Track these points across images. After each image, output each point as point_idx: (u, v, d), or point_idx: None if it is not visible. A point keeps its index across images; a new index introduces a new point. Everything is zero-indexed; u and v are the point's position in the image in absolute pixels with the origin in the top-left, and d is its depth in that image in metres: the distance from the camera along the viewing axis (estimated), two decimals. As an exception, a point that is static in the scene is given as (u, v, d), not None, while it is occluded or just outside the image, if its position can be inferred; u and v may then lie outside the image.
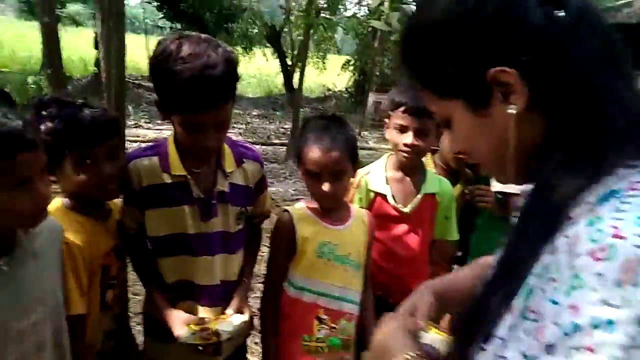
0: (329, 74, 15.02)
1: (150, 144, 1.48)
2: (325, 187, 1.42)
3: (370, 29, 11.18)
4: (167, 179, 1.36)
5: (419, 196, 1.72)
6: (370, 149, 8.76)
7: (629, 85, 0.64)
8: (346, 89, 14.20)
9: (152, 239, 1.41)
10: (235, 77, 1.26)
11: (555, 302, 0.56)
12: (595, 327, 0.51)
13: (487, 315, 0.65)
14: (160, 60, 1.21)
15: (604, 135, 0.62)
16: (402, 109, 1.63)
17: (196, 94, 1.18)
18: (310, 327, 1.46)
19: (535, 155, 0.66)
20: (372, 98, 10.60)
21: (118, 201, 1.44)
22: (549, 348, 0.55)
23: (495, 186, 1.88)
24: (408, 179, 1.74)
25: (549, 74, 0.63)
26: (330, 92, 15.06)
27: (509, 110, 0.64)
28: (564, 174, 0.62)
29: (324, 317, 1.47)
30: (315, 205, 1.52)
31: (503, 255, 0.70)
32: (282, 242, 1.49)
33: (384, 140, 9.73)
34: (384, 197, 1.70)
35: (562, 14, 0.63)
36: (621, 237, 0.53)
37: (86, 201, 1.34)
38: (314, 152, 1.41)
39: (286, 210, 1.51)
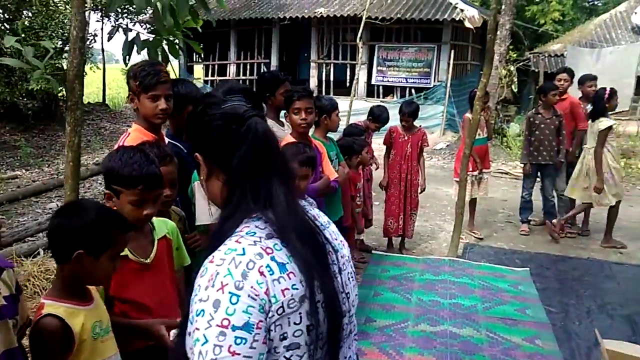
0: None
1: None
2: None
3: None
4: None
5: (155, 243, 1.86)
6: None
7: (267, 170, 1.07)
8: None
9: None
10: None
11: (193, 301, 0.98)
12: (198, 314, 0.94)
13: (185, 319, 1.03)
14: None
15: (244, 199, 1.06)
16: (140, 187, 1.72)
17: None
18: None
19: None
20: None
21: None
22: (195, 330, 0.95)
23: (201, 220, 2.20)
24: (140, 231, 1.83)
25: (223, 160, 1.07)
26: None
27: (201, 178, 1.13)
28: (227, 218, 1.06)
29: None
30: (60, 293, 1.51)
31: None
32: (56, 351, 1.43)
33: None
34: (124, 257, 1.74)
35: (242, 128, 1.06)
36: (211, 262, 0.98)
37: None
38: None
39: (48, 315, 1.44)
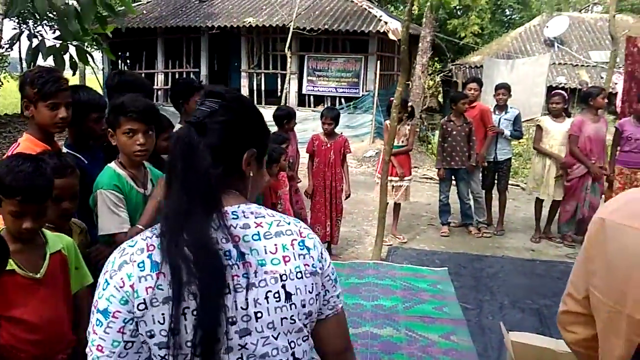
0: None
1: None
2: None
3: None
4: None
5: (47, 257, 1.77)
6: None
7: (170, 176, 1.06)
8: None
9: None
10: None
11: None
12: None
13: None
14: None
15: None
16: (18, 197, 1.65)
17: None
18: None
19: None
20: None
21: None
22: None
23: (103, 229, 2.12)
24: (30, 244, 1.75)
25: None
26: None
27: None
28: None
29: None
30: None
31: None
32: None
33: None
34: (10, 272, 1.66)
35: None
36: (117, 248, 1.07)
37: None
38: None
39: None
